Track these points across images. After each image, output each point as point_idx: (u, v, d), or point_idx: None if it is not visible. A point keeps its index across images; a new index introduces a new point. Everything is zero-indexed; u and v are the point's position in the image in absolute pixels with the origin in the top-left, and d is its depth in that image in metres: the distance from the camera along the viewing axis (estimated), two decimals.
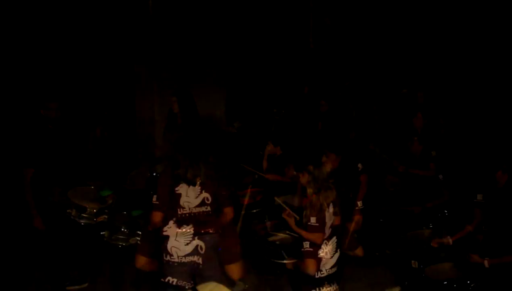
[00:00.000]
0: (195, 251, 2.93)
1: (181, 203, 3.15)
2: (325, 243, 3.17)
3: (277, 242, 3.88)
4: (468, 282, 3.47)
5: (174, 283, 2.86)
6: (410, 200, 4.86)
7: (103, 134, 5.39)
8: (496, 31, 7.28)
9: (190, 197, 3.16)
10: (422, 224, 4.52)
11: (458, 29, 7.60)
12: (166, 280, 2.88)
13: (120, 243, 3.71)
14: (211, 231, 3.15)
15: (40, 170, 3.89)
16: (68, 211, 3.82)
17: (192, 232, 2.99)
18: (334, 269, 3.25)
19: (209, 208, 3.20)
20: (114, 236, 3.71)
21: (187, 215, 3.15)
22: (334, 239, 3.23)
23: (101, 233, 3.73)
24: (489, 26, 7.29)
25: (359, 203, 3.92)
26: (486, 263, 3.46)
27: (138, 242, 2.98)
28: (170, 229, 2.95)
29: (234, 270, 3.00)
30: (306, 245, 3.12)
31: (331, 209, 3.19)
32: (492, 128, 6.74)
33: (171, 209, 3.13)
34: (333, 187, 3.24)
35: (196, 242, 2.94)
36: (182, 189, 3.15)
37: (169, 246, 2.93)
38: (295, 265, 3.31)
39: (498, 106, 7.16)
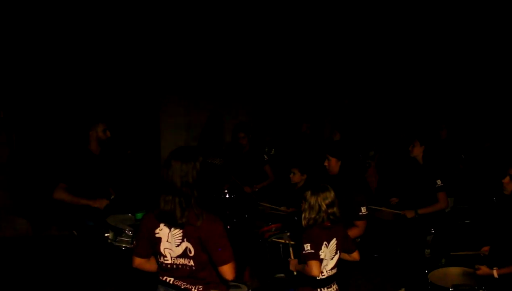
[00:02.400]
0: (185, 254, 2.66)
1: (162, 249, 2.69)
2: (325, 244, 3.18)
3: (280, 244, 3.89)
4: (476, 287, 3.44)
5: (171, 282, 2.74)
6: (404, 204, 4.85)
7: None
8: (497, 35, 7.27)
9: (171, 243, 2.66)
10: (420, 230, 4.51)
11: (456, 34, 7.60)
12: (164, 278, 2.76)
13: (124, 245, 3.68)
14: (194, 290, 2.70)
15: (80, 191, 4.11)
16: (105, 235, 3.81)
17: (181, 235, 2.66)
18: (334, 271, 3.26)
19: (192, 263, 2.67)
20: (118, 238, 3.70)
21: (169, 265, 2.71)
22: (334, 240, 3.23)
23: (105, 234, 3.75)
24: (489, 29, 7.29)
25: (363, 209, 3.89)
26: (495, 273, 3.39)
27: (134, 242, 2.80)
28: (162, 231, 2.69)
29: (228, 271, 2.65)
30: (307, 247, 3.11)
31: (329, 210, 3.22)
32: (498, 133, 6.71)
33: (155, 255, 2.75)
34: (330, 188, 3.27)
35: (185, 244, 2.64)
36: (162, 232, 2.67)
37: (161, 247, 2.69)
38: (296, 266, 3.31)
39: (502, 112, 7.13)
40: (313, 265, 3.08)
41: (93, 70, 7.17)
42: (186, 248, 2.65)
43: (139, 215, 3.81)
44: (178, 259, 2.69)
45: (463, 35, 7.58)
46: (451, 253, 4.14)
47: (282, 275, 3.84)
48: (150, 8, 7.08)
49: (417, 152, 4.79)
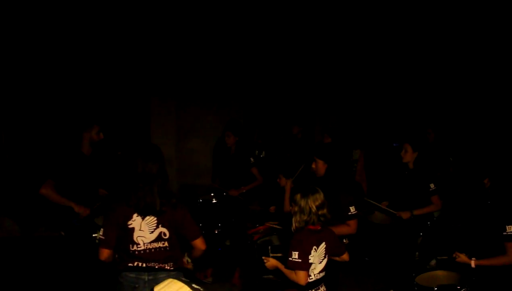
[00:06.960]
0: (159, 238, 2.96)
1: (135, 238, 2.94)
2: (314, 249, 3.17)
3: (269, 246, 3.90)
4: (458, 287, 3.45)
5: (144, 266, 2.93)
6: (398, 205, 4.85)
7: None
8: (486, 38, 7.35)
9: (145, 231, 2.95)
10: (411, 233, 4.52)
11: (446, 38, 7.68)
12: (135, 264, 2.93)
13: None
14: (167, 267, 3.00)
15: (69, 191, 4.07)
16: (93, 235, 3.82)
17: (156, 221, 2.95)
18: (322, 274, 3.26)
19: (166, 244, 3.00)
20: None
21: (141, 251, 2.96)
22: (323, 244, 3.23)
23: (93, 235, 3.73)
24: (477, 33, 7.37)
25: (352, 208, 3.90)
26: (472, 263, 3.47)
27: (101, 236, 2.92)
28: (135, 222, 2.92)
29: (201, 242, 3.07)
30: (295, 255, 3.09)
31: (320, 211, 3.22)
32: (480, 139, 6.82)
33: (123, 244, 2.95)
34: (320, 190, 3.28)
35: (160, 229, 2.95)
36: (135, 222, 2.93)
37: (135, 236, 2.92)
38: (279, 267, 3.29)
39: (491, 114, 7.23)
40: (301, 274, 3.09)
41: (85, 71, 7.16)
42: (161, 232, 2.98)
43: None
44: (151, 244, 2.97)
45: (450, 39, 7.66)
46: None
47: (270, 276, 3.84)
48: (143, 13, 7.08)
49: (409, 157, 4.79)
